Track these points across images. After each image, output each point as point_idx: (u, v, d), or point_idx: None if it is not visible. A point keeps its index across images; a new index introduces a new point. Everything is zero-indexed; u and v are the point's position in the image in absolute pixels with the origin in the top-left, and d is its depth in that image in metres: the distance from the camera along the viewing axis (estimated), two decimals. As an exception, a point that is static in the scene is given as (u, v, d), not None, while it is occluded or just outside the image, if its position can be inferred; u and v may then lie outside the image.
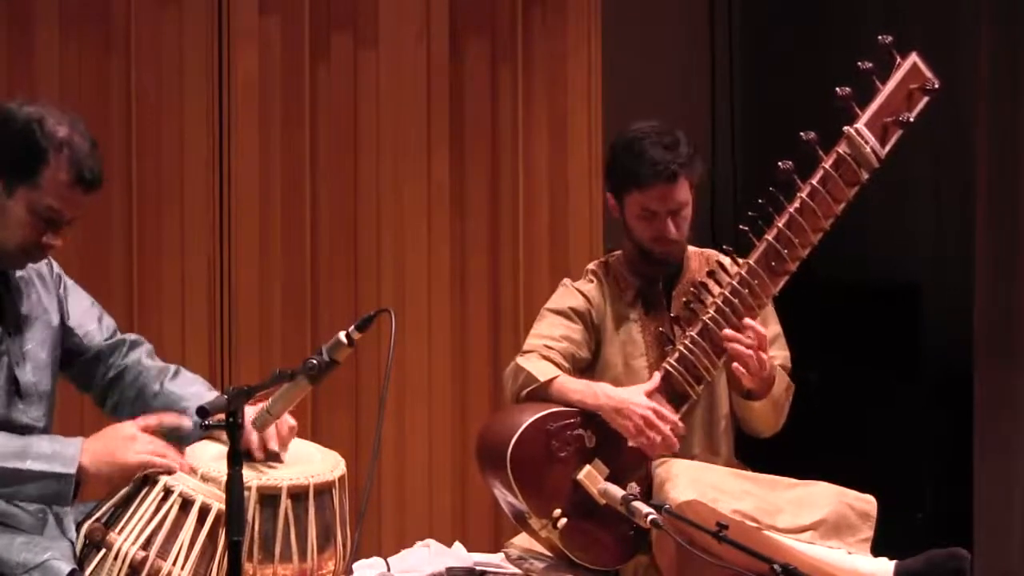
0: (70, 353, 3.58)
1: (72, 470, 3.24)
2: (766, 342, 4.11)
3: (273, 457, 3.37)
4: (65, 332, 3.56)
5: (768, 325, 4.27)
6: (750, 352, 4.07)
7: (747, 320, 4.09)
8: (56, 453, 3.26)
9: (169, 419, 3.38)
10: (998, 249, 5.60)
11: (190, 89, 5.30)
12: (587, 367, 4.26)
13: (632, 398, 4.07)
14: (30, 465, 3.25)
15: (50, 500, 3.29)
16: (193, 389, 3.55)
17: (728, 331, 4.07)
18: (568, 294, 4.31)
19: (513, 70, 5.55)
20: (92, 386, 3.62)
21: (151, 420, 3.36)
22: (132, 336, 3.66)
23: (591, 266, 4.39)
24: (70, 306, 3.58)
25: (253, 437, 3.35)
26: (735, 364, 4.10)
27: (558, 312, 4.27)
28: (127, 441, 3.30)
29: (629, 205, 4.20)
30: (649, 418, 4.04)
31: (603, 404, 4.08)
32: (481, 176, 5.54)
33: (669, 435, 4.05)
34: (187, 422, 3.36)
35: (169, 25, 5.29)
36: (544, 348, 4.19)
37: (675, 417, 4.08)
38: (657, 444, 4.05)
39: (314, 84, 5.41)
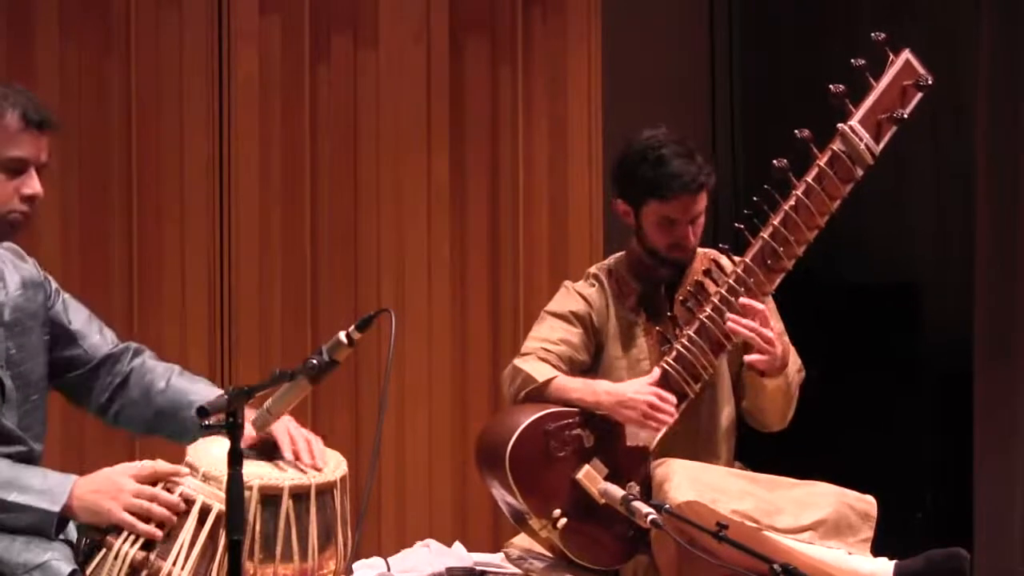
0: (71, 364, 3.55)
1: (56, 508, 3.23)
2: (767, 318, 4.10)
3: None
4: (67, 342, 3.55)
5: (771, 322, 4.27)
6: (751, 334, 4.07)
7: (743, 300, 4.09)
8: (45, 490, 3.25)
9: (164, 468, 3.34)
10: (998, 249, 5.60)
11: (190, 89, 5.30)
12: (587, 371, 4.25)
13: (632, 387, 4.08)
14: (15, 497, 3.23)
15: (33, 532, 3.27)
16: (199, 385, 3.55)
17: (730, 317, 4.08)
18: (569, 297, 4.31)
19: (513, 70, 5.55)
20: (92, 396, 3.57)
21: (146, 470, 3.30)
22: (135, 344, 3.65)
23: (593, 269, 4.38)
24: (71, 316, 3.56)
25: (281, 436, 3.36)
26: (747, 357, 4.11)
27: (558, 315, 4.27)
28: (116, 493, 3.25)
29: (648, 214, 4.20)
30: (653, 403, 4.04)
31: (603, 401, 4.08)
32: (481, 176, 5.54)
33: (674, 413, 4.06)
34: (184, 471, 3.32)
35: (169, 25, 5.29)
36: (542, 351, 4.19)
37: (672, 398, 4.08)
38: (666, 424, 4.06)
39: (314, 84, 5.41)
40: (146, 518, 3.22)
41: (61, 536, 3.36)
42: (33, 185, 3.36)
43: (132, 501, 3.23)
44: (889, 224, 6.36)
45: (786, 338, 4.27)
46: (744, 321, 4.08)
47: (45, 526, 3.24)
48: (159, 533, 3.23)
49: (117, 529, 3.24)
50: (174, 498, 3.24)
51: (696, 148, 4.22)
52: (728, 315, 4.09)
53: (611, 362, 4.27)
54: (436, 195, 5.48)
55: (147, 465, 3.30)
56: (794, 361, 4.24)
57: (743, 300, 4.09)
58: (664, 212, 4.17)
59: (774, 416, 4.28)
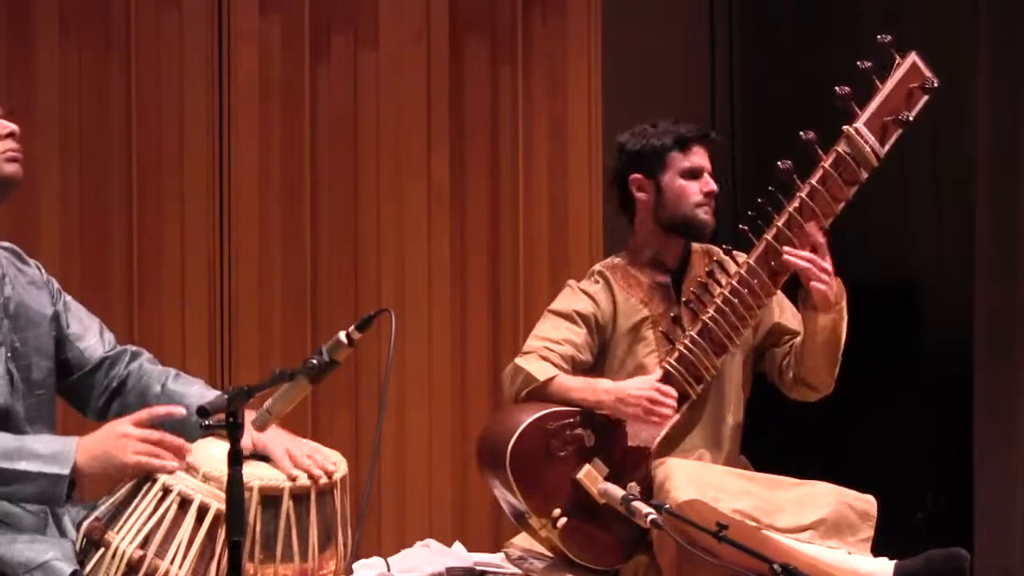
0: (69, 366, 3.57)
1: (66, 471, 3.23)
2: (825, 250, 4.11)
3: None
4: (65, 344, 3.56)
5: (789, 318, 4.29)
6: (806, 264, 4.08)
7: (808, 225, 4.11)
8: (51, 454, 3.25)
9: (159, 410, 3.36)
10: (998, 249, 5.60)
11: (190, 89, 5.31)
12: (590, 370, 4.25)
13: (632, 384, 4.09)
14: (24, 466, 3.23)
15: (44, 501, 3.28)
16: (194, 388, 3.56)
17: (786, 250, 4.08)
18: (573, 296, 4.30)
19: (513, 70, 5.55)
20: (90, 399, 3.59)
21: (142, 414, 3.34)
22: (133, 347, 3.66)
23: (597, 267, 4.37)
24: (70, 318, 3.58)
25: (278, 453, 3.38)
26: (811, 284, 4.10)
27: (561, 314, 4.27)
28: (123, 440, 3.28)
29: (671, 171, 4.25)
30: (654, 397, 4.05)
31: (604, 399, 4.08)
32: (481, 176, 5.54)
33: (674, 406, 4.07)
34: (178, 411, 3.34)
35: (169, 25, 5.30)
36: (544, 349, 4.19)
37: (672, 391, 4.08)
38: (668, 417, 4.07)
39: (314, 84, 5.41)
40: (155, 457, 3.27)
41: (63, 535, 3.37)
42: (4, 124, 3.41)
43: (140, 446, 3.26)
44: (889, 223, 6.36)
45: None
46: (799, 252, 4.09)
47: (56, 492, 3.23)
48: (174, 464, 3.25)
49: (116, 521, 3.24)
50: (179, 440, 3.28)
51: None
52: (784, 248, 4.10)
53: (620, 357, 4.26)
54: (436, 195, 5.48)
55: (141, 412, 3.33)
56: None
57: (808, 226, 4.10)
58: (688, 161, 4.23)
59: (823, 368, 4.24)
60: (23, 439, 3.30)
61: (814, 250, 4.11)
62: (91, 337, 3.60)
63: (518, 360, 4.19)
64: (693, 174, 4.25)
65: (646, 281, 4.30)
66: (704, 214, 4.25)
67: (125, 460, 3.26)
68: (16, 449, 3.26)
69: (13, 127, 3.43)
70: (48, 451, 3.26)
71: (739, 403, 4.32)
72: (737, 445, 4.33)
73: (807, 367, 4.25)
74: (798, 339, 4.29)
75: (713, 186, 4.26)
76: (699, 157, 4.26)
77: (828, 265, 4.12)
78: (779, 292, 4.25)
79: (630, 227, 4.35)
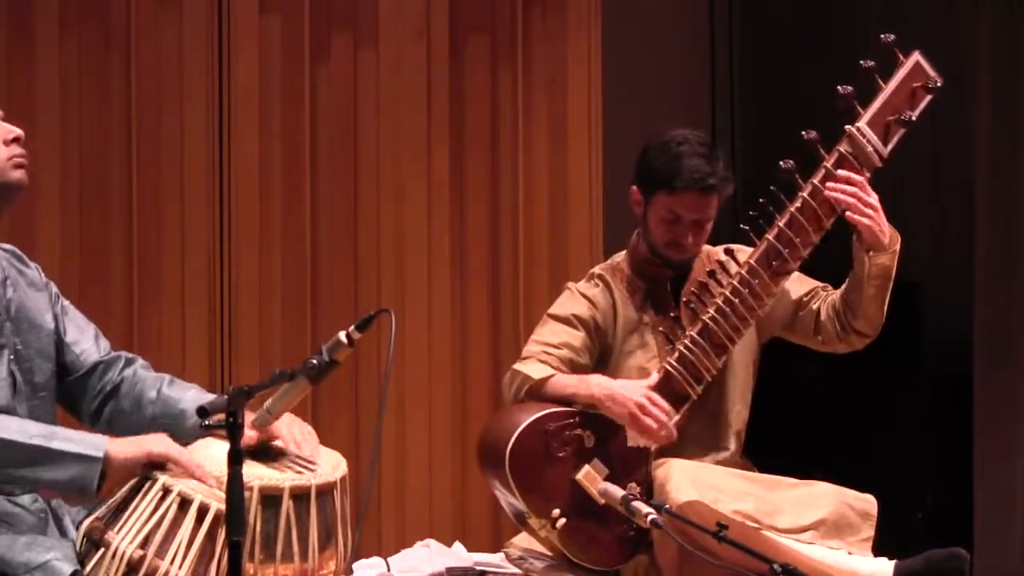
0: (64, 369, 3.58)
1: (100, 454, 3.24)
2: (867, 188, 4.06)
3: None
4: (61, 348, 3.57)
5: (794, 283, 4.26)
6: (850, 199, 4.03)
7: (841, 175, 4.07)
8: (83, 439, 3.27)
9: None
10: (998, 249, 5.60)
11: (190, 89, 5.31)
12: (590, 373, 4.24)
13: (626, 385, 4.08)
14: (57, 445, 3.25)
15: (74, 486, 3.27)
16: (190, 393, 3.57)
17: (829, 184, 4.04)
18: (572, 299, 4.30)
19: (513, 70, 5.55)
20: (83, 403, 3.60)
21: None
22: (127, 354, 3.66)
23: (597, 269, 4.37)
24: (67, 323, 3.59)
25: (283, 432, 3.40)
26: (855, 219, 4.07)
27: (559, 318, 4.26)
28: (152, 440, 3.31)
29: (655, 205, 4.19)
30: (643, 404, 4.03)
31: (596, 394, 4.08)
32: (481, 176, 5.54)
33: (665, 421, 4.04)
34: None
35: (169, 25, 5.30)
36: (542, 354, 4.19)
37: (667, 405, 4.07)
38: (654, 430, 4.04)
39: (314, 84, 5.41)
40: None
41: (63, 535, 3.37)
42: (9, 129, 3.42)
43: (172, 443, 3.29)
44: (889, 223, 6.35)
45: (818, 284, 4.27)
46: (843, 187, 4.04)
47: (88, 475, 3.24)
48: (196, 470, 3.26)
49: (116, 521, 3.24)
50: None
51: (721, 156, 4.21)
52: (828, 184, 4.05)
53: (621, 361, 4.26)
54: (436, 195, 5.48)
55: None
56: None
57: (841, 174, 4.05)
58: (671, 206, 4.16)
59: (875, 313, 4.21)
60: (55, 427, 3.31)
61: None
62: (86, 341, 3.60)
63: (516, 365, 4.19)
64: (674, 218, 4.16)
65: (645, 285, 4.29)
66: (669, 254, 4.21)
67: (154, 448, 3.28)
68: (52, 431, 3.27)
69: (19, 132, 3.43)
70: (80, 437, 3.28)
71: (743, 404, 4.32)
72: (740, 446, 4.33)
73: (860, 316, 4.20)
74: (832, 293, 4.24)
75: (685, 240, 4.15)
76: (683, 204, 4.14)
77: (874, 200, 4.07)
78: (797, 274, 4.22)
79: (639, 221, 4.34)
